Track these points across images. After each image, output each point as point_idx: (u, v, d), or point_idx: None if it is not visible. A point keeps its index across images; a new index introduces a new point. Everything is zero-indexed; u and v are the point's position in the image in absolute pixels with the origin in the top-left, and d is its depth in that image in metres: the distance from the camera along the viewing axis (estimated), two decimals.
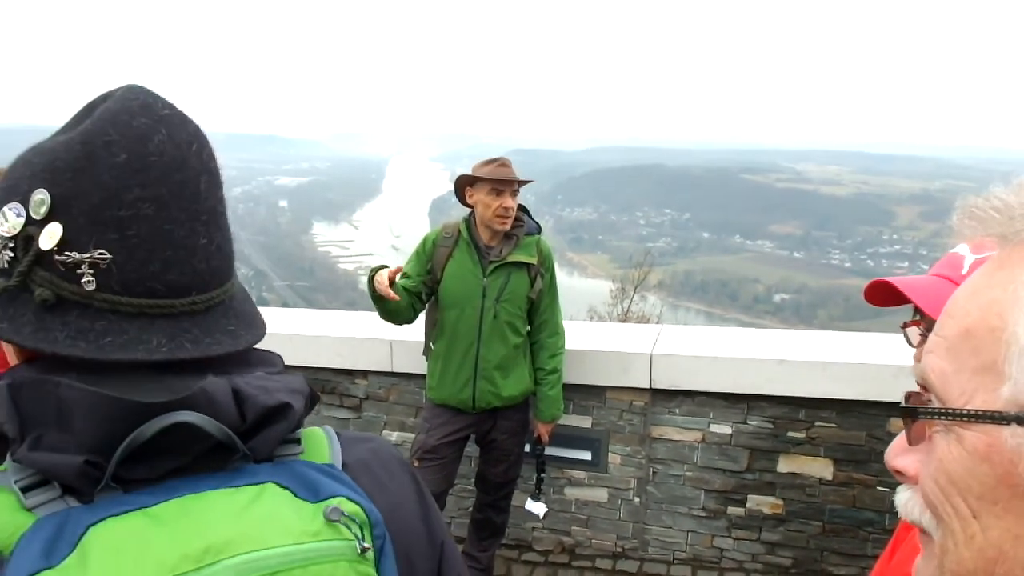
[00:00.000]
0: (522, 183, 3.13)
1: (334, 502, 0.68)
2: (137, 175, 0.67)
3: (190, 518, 0.63)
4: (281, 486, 0.69)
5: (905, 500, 0.52)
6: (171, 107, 0.73)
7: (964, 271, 1.12)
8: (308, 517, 0.67)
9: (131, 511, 0.63)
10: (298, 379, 0.79)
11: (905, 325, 1.21)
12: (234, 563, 0.61)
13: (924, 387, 0.51)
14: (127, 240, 0.67)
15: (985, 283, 0.48)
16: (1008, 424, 0.43)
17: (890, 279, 1.19)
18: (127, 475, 0.65)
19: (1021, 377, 0.43)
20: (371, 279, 3.09)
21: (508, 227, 3.13)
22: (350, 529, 0.67)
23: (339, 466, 0.77)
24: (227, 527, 0.63)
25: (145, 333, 0.68)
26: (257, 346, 0.79)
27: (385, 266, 3.15)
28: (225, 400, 0.68)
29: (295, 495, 0.68)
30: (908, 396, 0.54)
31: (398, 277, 3.17)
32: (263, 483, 0.68)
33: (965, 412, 0.47)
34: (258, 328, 0.78)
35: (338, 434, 0.83)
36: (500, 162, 3.14)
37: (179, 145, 0.70)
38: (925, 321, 1.16)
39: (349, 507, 0.69)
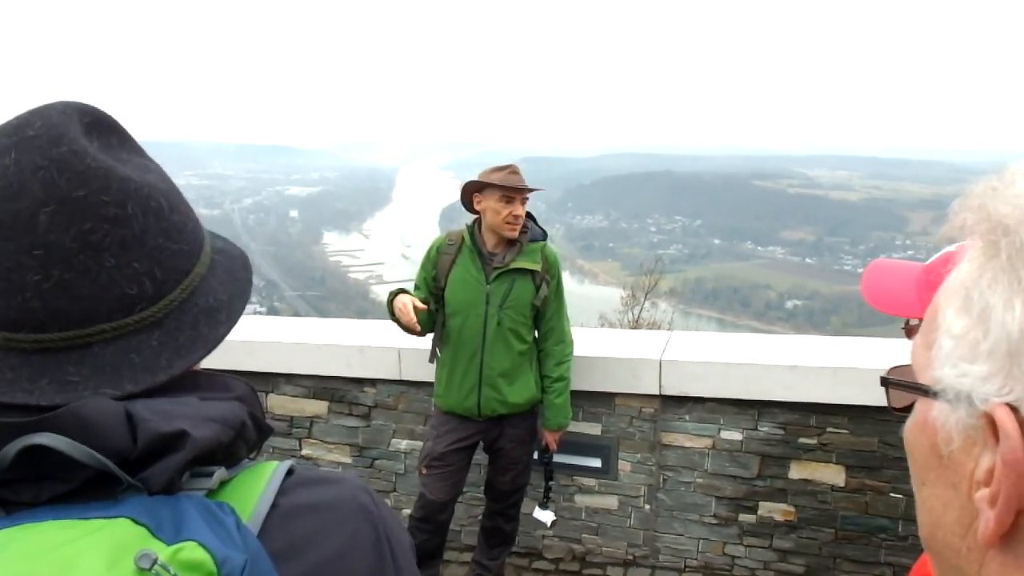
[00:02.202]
0: (531, 191, 3.12)
1: (173, 549, 0.60)
2: None
3: (6, 551, 0.59)
4: (137, 523, 0.61)
5: None
6: (53, 127, 0.68)
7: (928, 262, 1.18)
8: (124, 562, 0.58)
9: None
10: (230, 407, 0.73)
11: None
12: None
13: None
14: None
15: (955, 270, 0.52)
16: (934, 398, 0.48)
17: (864, 288, 1.21)
18: (13, 497, 0.64)
19: (936, 359, 0.49)
20: (390, 302, 3.16)
21: (517, 234, 3.12)
22: None
23: (266, 507, 0.70)
24: (23, 565, 0.57)
25: None
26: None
27: (404, 290, 3.18)
28: (111, 424, 0.63)
29: (152, 534, 0.60)
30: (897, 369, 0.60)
31: (413, 288, 3.22)
32: (114, 517, 0.61)
33: (896, 380, 0.54)
34: (138, 383, 0.70)
35: (293, 472, 0.76)
36: (511, 169, 3.12)
37: (23, 171, 0.66)
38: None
39: (192, 554, 0.60)
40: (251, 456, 0.77)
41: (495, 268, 3.13)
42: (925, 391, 0.49)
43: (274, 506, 0.71)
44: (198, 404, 0.70)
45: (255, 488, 0.71)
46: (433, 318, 3.25)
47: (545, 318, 3.23)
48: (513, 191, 3.05)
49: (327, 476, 0.79)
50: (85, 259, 0.67)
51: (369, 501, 0.78)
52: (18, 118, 0.69)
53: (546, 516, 3.54)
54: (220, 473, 0.69)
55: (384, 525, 0.78)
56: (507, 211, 3.05)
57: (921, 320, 1.13)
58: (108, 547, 0.59)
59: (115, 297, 0.69)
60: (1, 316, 0.67)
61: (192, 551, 0.60)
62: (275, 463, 0.76)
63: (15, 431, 0.62)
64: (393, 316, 3.16)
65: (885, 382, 0.59)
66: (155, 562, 0.58)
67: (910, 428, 0.52)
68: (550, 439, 3.36)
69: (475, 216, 3.21)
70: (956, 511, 0.47)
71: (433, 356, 3.32)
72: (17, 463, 0.62)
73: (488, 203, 3.09)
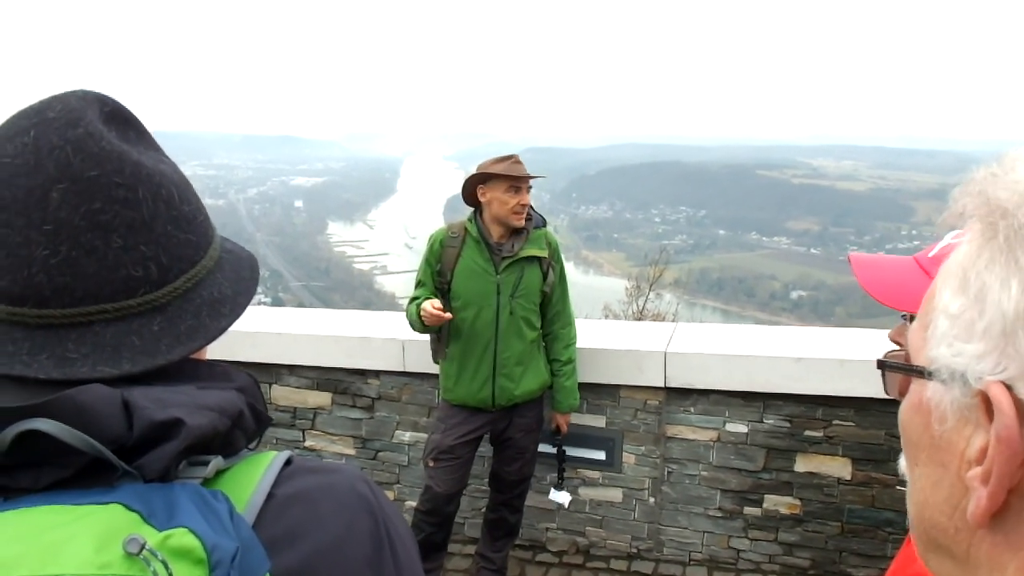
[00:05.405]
0: (534, 179, 3.17)
1: (163, 535, 0.60)
2: None
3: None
4: (130, 508, 0.61)
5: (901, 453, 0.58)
6: (72, 110, 0.69)
7: (932, 252, 1.13)
8: (112, 547, 0.58)
9: None
10: (228, 396, 0.73)
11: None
12: None
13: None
14: None
15: (954, 252, 0.51)
16: (928, 379, 0.48)
17: (858, 274, 1.17)
18: (12, 484, 0.64)
19: (932, 339, 0.49)
20: (417, 315, 3.11)
21: (523, 222, 3.15)
22: (150, 565, 0.57)
23: (262, 497, 0.70)
24: (11, 548, 0.58)
25: None
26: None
27: (427, 297, 3.16)
28: (108, 411, 0.64)
29: (143, 520, 0.61)
30: (894, 353, 0.60)
31: (416, 284, 3.23)
32: (107, 503, 0.62)
33: (891, 363, 0.54)
34: (136, 364, 0.70)
35: (291, 462, 0.76)
36: (514, 159, 3.16)
37: (40, 149, 0.67)
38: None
39: (182, 540, 0.59)
40: (250, 446, 0.78)
41: (504, 258, 3.15)
42: (920, 372, 0.50)
43: (271, 495, 0.71)
44: (195, 392, 0.71)
45: (252, 477, 0.72)
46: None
47: (551, 303, 3.27)
48: (519, 180, 3.09)
49: (325, 466, 0.80)
50: (93, 238, 0.68)
51: (368, 491, 0.78)
52: (40, 102, 0.71)
53: (563, 497, 3.59)
54: (216, 462, 0.70)
55: (383, 515, 0.77)
56: (515, 200, 3.09)
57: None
58: (98, 531, 0.59)
59: (120, 278, 0.70)
60: (7, 289, 0.68)
61: (182, 537, 0.60)
62: (273, 453, 0.77)
63: (12, 416, 0.62)
64: (423, 327, 3.15)
65: (881, 365, 0.59)
66: (143, 547, 0.58)
67: (905, 410, 0.53)
68: (562, 422, 3.42)
69: (472, 208, 3.23)
70: (946, 490, 0.48)
71: (439, 353, 3.31)
72: (15, 449, 0.62)
73: (494, 194, 3.11)
